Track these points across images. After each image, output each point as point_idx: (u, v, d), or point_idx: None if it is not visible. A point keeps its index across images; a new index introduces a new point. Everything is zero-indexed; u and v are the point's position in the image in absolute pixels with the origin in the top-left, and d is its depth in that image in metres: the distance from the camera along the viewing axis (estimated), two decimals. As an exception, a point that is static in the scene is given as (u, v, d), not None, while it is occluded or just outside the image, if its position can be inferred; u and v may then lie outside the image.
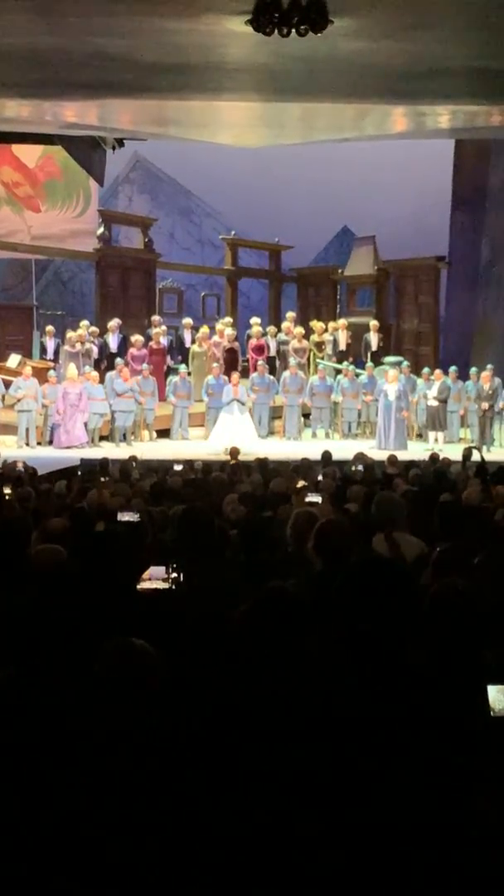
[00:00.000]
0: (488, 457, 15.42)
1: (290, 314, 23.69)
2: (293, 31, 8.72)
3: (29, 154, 23.94)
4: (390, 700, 2.35)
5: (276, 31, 8.75)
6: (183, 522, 4.77)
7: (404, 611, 2.46)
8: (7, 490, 9.10)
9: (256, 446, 17.42)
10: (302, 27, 8.67)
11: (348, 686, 2.41)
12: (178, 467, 13.29)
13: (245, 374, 21.24)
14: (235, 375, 19.31)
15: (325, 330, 22.55)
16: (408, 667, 2.50)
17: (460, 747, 2.35)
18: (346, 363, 21.08)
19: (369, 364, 20.85)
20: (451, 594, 3.04)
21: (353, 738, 2.29)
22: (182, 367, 20.30)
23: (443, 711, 2.47)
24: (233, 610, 2.88)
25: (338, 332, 22.68)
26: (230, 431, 18.17)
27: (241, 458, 14.83)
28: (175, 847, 2.21)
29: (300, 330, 22.14)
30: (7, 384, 18.73)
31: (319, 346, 22.31)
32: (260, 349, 21.81)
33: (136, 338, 20.83)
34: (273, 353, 22.12)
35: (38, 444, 18.31)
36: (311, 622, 2.56)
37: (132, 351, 20.47)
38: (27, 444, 18.09)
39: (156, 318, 22.42)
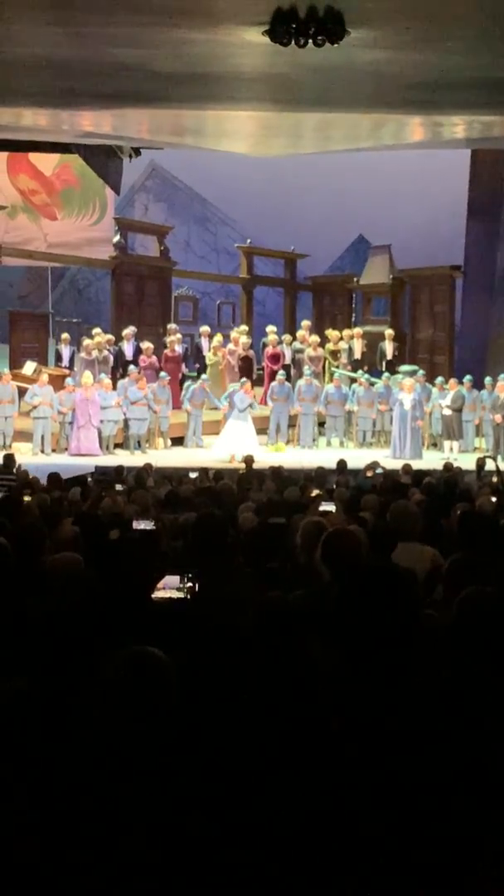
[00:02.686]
0: (502, 467, 15.38)
1: (306, 323, 23.69)
2: (310, 41, 8.75)
3: (46, 162, 24.06)
4: (397, 711, 2.35)
5: (292, 41, 8.79)
6: (196, 530, 4.77)
7: (408, 619, 2.46)
8: (26, 497, 9.12)
9: (259, 454, 17.49)
10: (319, 38, 8.70)
11: (354, 695, 2.41)
12: (193, 475, 13.31)
13: (260, 382, 21.24)
14: (248, 383, 19.34)
15: (341, 338, 22.54)
16: (414, 674, 2.50)
17: (476, 759, 2.34)
18: (360, 372, 21.06)
19: (385, 374, 20.82)
20: (480, 601, 2.99)
21: (361, 748, 2.29)
22: (203, 377, 20.30)
23: (463, 723, 2.46)
24: (243, 619, 2.88)
25: (353, 340, 22.67)
26: (236, 438, 18.23)
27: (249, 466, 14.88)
28: (186, 855, 2.22)
29: (315, 338, 22.13)
30: (23, 391, 18.79)
31: (334, 354, 22.30)
32: (275, 357, 21.82)
33: (147, 345, 20.90)
34: (288, 361, 22.12)
35: (53, 451, 18.37)
36: (315, 632, 2.56)
37: (142, 358, 20.55)
38: (42, 452, 18.14)
39: (172, 326, 22.48)
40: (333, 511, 7.77)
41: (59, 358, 21.76)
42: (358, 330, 23.17)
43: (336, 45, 8.87)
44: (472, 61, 10.80)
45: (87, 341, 20.74)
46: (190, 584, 4.72)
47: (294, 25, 8.64)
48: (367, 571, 2.75)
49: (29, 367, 20.53)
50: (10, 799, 2.40)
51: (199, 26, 9.54)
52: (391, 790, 2.23)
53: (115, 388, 19.04)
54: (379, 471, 13.36)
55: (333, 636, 2.65)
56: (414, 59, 10.65)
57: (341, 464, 14.27)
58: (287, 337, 22.78)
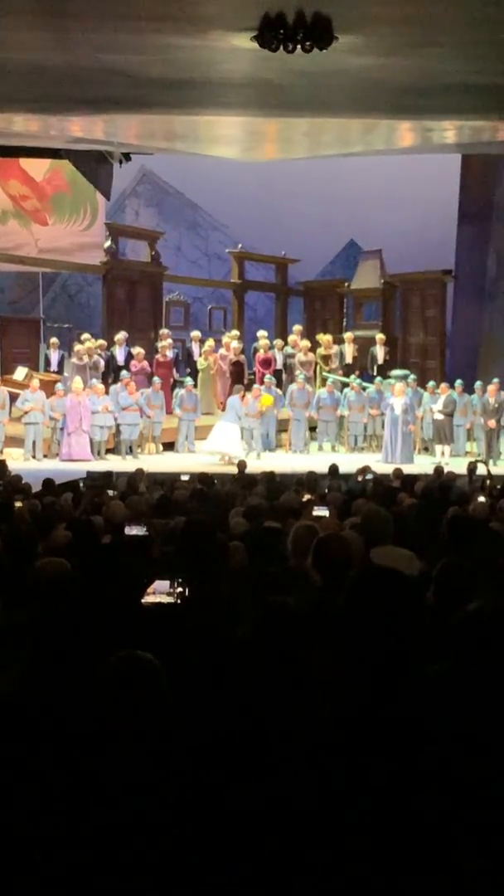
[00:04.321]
0: (494, 470, 15.41)
1: (297, 327, 23.69)
2: (298, 47, 8.77)
3: (36, 168, 24.03)
4: (399, 717, 2.35)
5: (280, 47, 8.80)
6: (184, 535, 4.78)
7: (411, 623, 2.46)
8: (18, 503, 9.11)
9: (238, 454, 17.64)
10: (307, 43, 8.72)
11: (354, 703, 2.41)
12: (184, 478, 13.30)
13: (251, 387, 21.26)
14: (242, 390, 19.43)
15: (332, 343, 22.56)
16: (418, 680, 2.49)
17: (479, 768, 2.34)
18: (352, 376, 21.09)
19: (377, 378, 20.85)
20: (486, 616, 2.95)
21: (360, 757, 2.29)
22: (188, 381, 20.33)
23: (466, 730, 2.45)
24: (237, 624, 2.88)
25: (344, 345, 22.70)
26: (220, 439, 18.33)
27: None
28: (179, 859, 2.21)
29: (306, 343, 22.15)
30: (14, 397, 18.77)
31: (326, 359, 22.32)
32: (267, 362, 21.84)
33: (138, 350, 20.89)
34: (279, 366, 22.14)
35: (45, 456, 18.35)
36: (312, 637, 2.56)
37: (133, 363, 20.56)
38: (34, 457, 18.12)
39: (164, 331, 22.48)
40: (326, 516, 7.78)
41: (47, 363, 21.72)
42: (349, 335, 23.21)
43: (324, 51, 8.90)
44: (461, 66, 10.82)
45: (77, 346, 20.73)
46: (180, 589, 4.71)
47: (282, 31, 8.65)
48: (369, 573, 2.75)
49: (20, 373, 20.51)
50: (3, 803, 2.40)
51: (188, 32, 9.55)
52: (389, 797, 2.22)
53: (107, 393, 19.05)
54: (369, 476, 13.37)
55: (330, 641, 2.65)
56: (403, 64, 10.67)
57: (333, 468, 14.26)
58: (278, 342, 22.79)
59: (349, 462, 16.24)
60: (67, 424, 18.17)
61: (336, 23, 8.71)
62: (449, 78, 11.30)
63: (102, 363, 20.55)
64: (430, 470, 15.06)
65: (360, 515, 8.11)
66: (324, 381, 21.30)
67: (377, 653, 2.41)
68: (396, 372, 21.18)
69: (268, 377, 20.51)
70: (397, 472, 13.94)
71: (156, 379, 19.83)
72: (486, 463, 16.07)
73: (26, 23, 9.50)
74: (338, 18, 8.68)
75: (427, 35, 9.65)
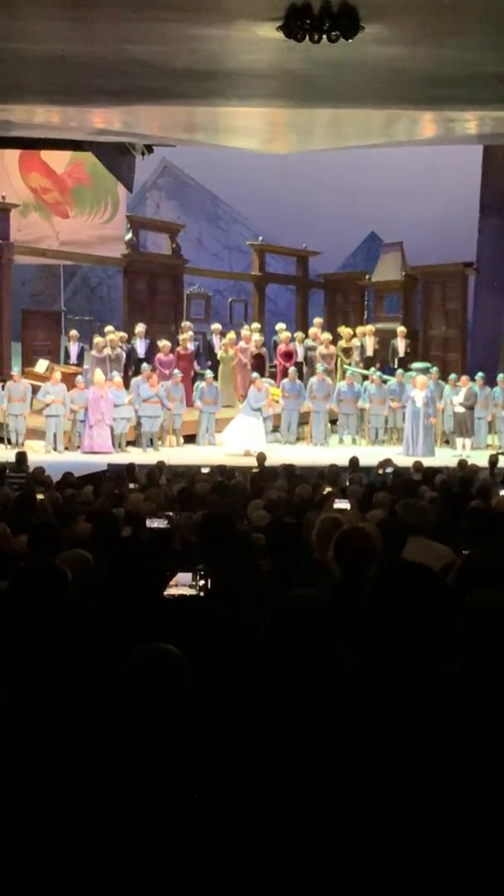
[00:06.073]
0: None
1: (318, 320, 23.67)
2: (324, 37, 8.73)
3: (57, 160, 24.08)
4: (424, 710, 2.33)
5: (307, 37, 8.76)
6: (203, 528, 4.77)
7: (440, 618, 2.43)
8: (40, 495, 9.12)
9: (264, 448, 17.62)
10: (333, 33, 8.68)
11: (379, 695, 2.39)
12: (204, 470, 13.30)
13: (273, 379, 21.25)
14: (258, 379, 19.44)
15: (353, 336, 22.52)
16: (445, 676, 2.47)
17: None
18: (373, 369, 21.04)
19: (399, 371, 20.79)
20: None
21: (385, 750, 2.26)
22: (209, 373, 20.32)
23: (484, 724, 2.43)
24: (260, 616, 2.86)
25: (365, 337, 22.65)
26: (243, 433, 18.31)
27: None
28: (196, 853, 2.20)
29: (327, 336, 22.12)
30: (35, 389, 18.82)
31: (347, 351, 22.28)
32: (288, 355, 21.81)
33: (164, 343, 20.90)
34: (300, 358, 22.11)
35: (66, 449, 18.39)
36: (335, 630, 2.54)
37: (160, 356, 20.56)
38: (55, 450, 18.16)
39: (186, 323, 22.48)
40: (348, 508, 7.76)
41: (67, 355, 21.77)
42: (370, 327, 23.16)
43: (350, 41, 8.85)
44: (485, 56, 10.75)
45: (97, 339, 20.75)
46: (203, 582, 4.70)
47: (308, 21, 8.61)
48: (398, 567, 2.72)
49: (41, 365, 20.58)
50: (20, 800, 2.39)
51: (212, 22, 9.51)
52: (403, 794, 2.20)
53: (126, 385, 19.06)
54: (389, 469, 13.33)
55: (351, 633, 2.62)
56: (428, 54, 10.61)
57: (354, 461, 14.23)
58: (299, 334, 22.77)
59: (370, 455, 16.21)
60: (89, 417, 18.20)
61: (362, 12, 8.66)
62: (473, 68, 11.23)
63: (124, 355, 20.57)
64: (451, 463, 15.01)
65: (388, 508, 8.09)
66: (344, 373, 21.26)
67: (400, 649, 2.38)
68: (418, 365, 21.11)
69: (291, 369, 20.48)
70: (417, 465, 13.89)
71: (176, 371, 19.83)
72: (507, 456, 15.98)
73: (50, 13, 9.49)
74: (364, 8, 8.63)
75: (452, 25, 9.59)
